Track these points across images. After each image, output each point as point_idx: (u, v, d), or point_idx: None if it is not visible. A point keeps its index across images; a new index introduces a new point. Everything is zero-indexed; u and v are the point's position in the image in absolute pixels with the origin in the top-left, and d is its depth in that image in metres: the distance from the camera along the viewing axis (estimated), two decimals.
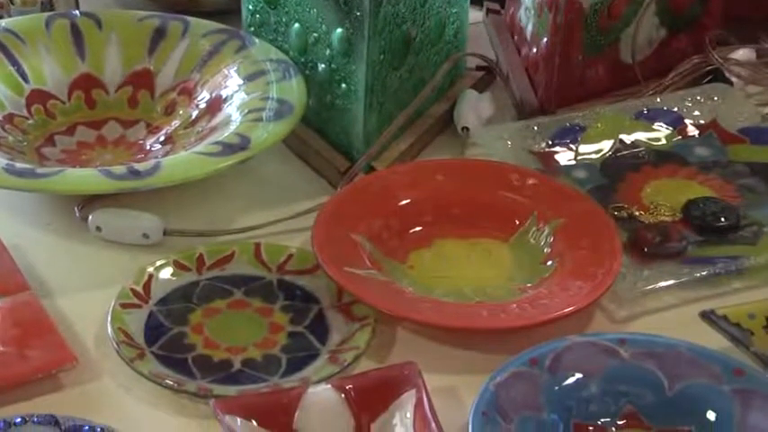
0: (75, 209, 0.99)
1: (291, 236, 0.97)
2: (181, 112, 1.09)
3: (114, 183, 0.94)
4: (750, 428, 0.78)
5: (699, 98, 1.12)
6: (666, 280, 0.92)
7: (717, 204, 1.00)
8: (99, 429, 0.77)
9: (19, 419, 0.77)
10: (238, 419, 0.76)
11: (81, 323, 0.88)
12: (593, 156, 1.07)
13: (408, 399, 0.79)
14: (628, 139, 1.09)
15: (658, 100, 1.12)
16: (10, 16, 1.19)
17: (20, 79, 1.09)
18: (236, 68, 1.09)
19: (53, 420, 0.77)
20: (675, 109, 1.12)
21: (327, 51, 1.03)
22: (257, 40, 1.10)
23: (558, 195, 0.98)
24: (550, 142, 1.07)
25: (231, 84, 1.08)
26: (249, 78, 1.07)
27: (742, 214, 0.99)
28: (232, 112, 1.05)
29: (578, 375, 0.81)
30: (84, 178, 0.95)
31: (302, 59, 1.07)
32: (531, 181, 1.00)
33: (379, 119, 1.04)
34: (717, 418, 0.79)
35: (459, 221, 0.98)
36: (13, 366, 0.82)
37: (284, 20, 1.07)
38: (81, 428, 0.77)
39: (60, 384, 0.83)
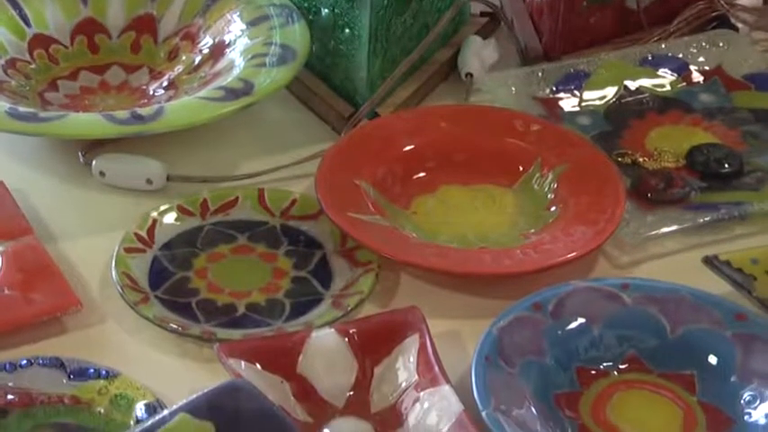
0: (79, 154, 0.99)
1: (295, 182, 0.97)
2: (184, 57, 1.09)
3: (118, 127, 0.94)
4: (751, 372, 0.78)
5: (704, 44, 1.12)
6: (669, 226, 0.92)
7: (721, 151, 1.00)
8: (103, 372, 0.77)
9: (24, 362, 0.78)
10: (242, 363, 0.77)
11: (85, 267, 0.88)
12: (598, 102, 1.07)
13: (411, 343, 0.79)
14: (632, 85, 1.08)
15: (663, 46, 1.12)
16: None
17: (22, 23, 1.08)
18: (238, 13, 1.08)
19: (58, 363, 0.78)
20: (680, 55, 1.11)
21: None
22: None
23: (562, 141, 0.98)
24: (554, 88, 1.07)
25: (234, 29, 1.07)
26: (252, 23, 1.07)
27: (746, 160, 0.99)
28: (235, 58, 1.05)
29: (581, 320, 0.81)
30: (88, 122, 0.95)
31: (305, 4, 1.06)
32: (534, 127, 1.00)
33: (383, 65, 1.04)
34: (718, 362, 0.80)
35: (463, 168, 0.98)
36: (17, 310, 0.82)
37: None
38: (86, 371, 0.78)
39: (65, 328, 0.83)
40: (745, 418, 0.77)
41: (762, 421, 0.76)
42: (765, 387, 0.77)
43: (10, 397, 0.76)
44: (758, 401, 0.77)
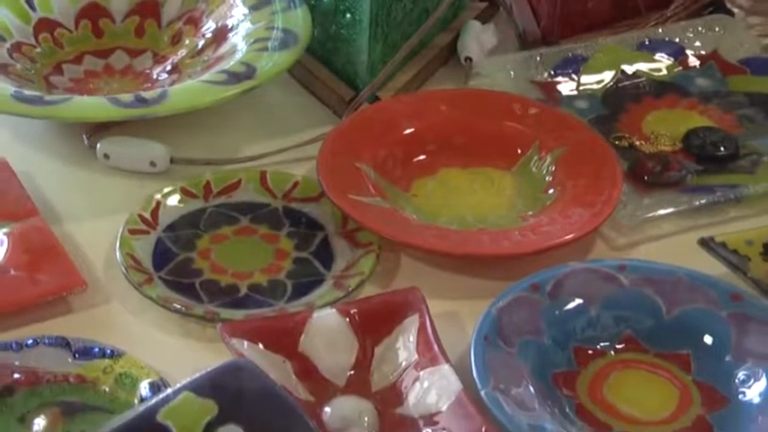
0: (84, 137, 0.99)
1: (297, 164, 0.97)
2: (187, 41, 1.09)
3: (122, 110, 0.94)
4: (745, 352, 0.78)
5: (700, 29, 1.12)
6: (666, 208, 0.92)
7: (716, 134, 1.00)
8: (108, 351, 0.78)
9: (31, 341, 0.78)
10: (245, 342, 0.77)
11: (90, 248, 0.89)
12: (595, 86, 1.07)
13: (411, 323, 0.79)
14: (629, 69, 1.08)
15: (660, 31, 1.12)
16: None
17: (27, 7, 1.08)
18: None
19: (64, 342, 0.78)
20: (677, 40, 1.11)
21: None
22: None
23: (560, 125, 0.98)
24: (553, 72, 1.07)
25: (236, 13, 1.07)
26: (254, 8, 1.06)
27: (741, 144, 0.99)
28: (238, 42, 1.04)
29: (578, 301, 0.81)
30: (93, 106, 0.95)
31: None
32: (533, 111, 0.99)
33: (384, 49, 1.04)
34: (713, 342, 0.80)
35: (463, 151, 0.98)
36: (23, 290, 0.82)
37: None
38: (91, 350, 0.78)
39: (70, 308, 0.83)
40: (740, 396, 0.77)
41: (756, 400, 0.76)
42: (759, 366, 0.77)
43: (16, 376, 0.76)
44: (752, 380, 0.77)
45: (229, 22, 1.07)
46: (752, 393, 0.77)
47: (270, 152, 0.98)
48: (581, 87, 1.06)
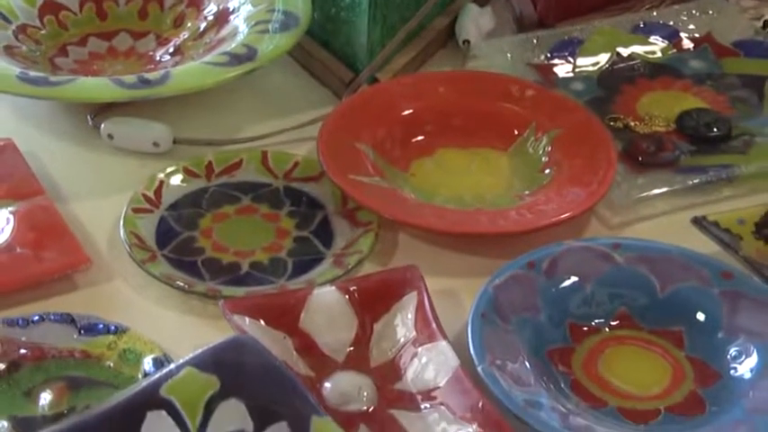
0: (88, 117, 0.99)
1: (297, 144, 0.97)
2: (189, 24, 1.08)
3: (125, 91, 0.94)
4: (737, 328, 0.78)
5: (694, 12, 1.12)
6: (660, 188, 0.92)
7: (709, 115, 1.00)
8: (112, 327, 0.78)
9: (37, 317, 0.78)
10: (246, 319, 0.77)
11: (94, 227, 0.88)
12: (591, 68, 1.06)
13: (410, 300, 0.79)
14: (624, 52, 1.08)
15: (654, 14, 1.11)
16: None
17: None
18: None
19: (69, 318, 0.78)
20: (671, 23, 1.11)
21: None
22: None
23: (556, 106, 0.98)
24: (549, 55, 1.07)
25: None
26: None
27: (733, 125, 0.99)
28: (239, 24, 1.04)
29: (574, 278, 0.81)
30: (97, 86, 0.95)
31: None
32: (529, 92, 0.99)
33: (383, 31, 1.04)
34: (706, 318, 0.80)
35: (460, 131, 0.97)
36: (30, 267, 0.82)
37: None
38: (95, 326, 0.78)
39: (75, 285, 0.83)
40: (731, 372, 0.77)
41: (747, 375, 0.76)
42: (751, 342, 0.77)
43: (23, 351, 0.76)
44: (744, 356, 0.77)
45: (231, 5, 1.07)
46: (743, 369, 0.77)
47: (271, 132, 0.98)
48: (577, 69, 1.06)
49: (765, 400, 0.73)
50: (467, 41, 1.08)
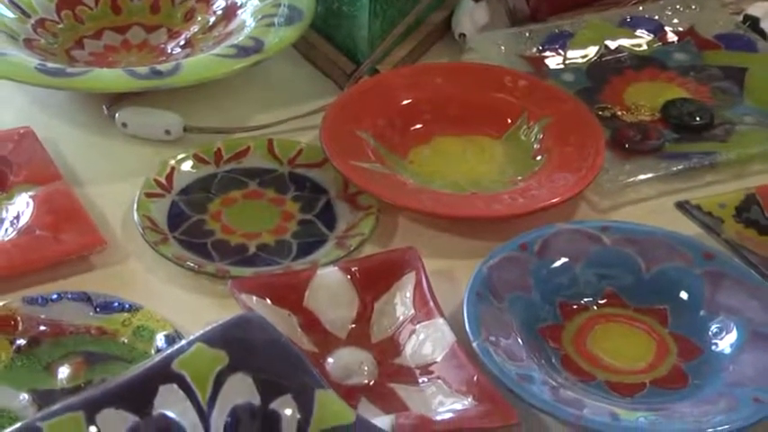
0: (104, 107, 0.98)
1: (302, 132, 0.97)
2: (199, 18, 1.08)
3: (139, 82, 0.93)
4: (718, 306, 0.78)
5: (678, 7, 1.11)
6: (645, 173, 0.92)
7: (692, 105, 1.00)
8: (127, 305, 0.77)
9: (55, 296, 0.78)
10: (254, 297, 0.77)
11: (109, 210, 0.88)
12: (580, 60, 1.06)
13: (409, 280, 0.79)
14: (612, 44, 1.08)
15: (641, 9, 1.11)
16: None
17: None
18: None
19: (85, 297, 0.78)
20: (656, 17, 1.11)
21: None
22: None
23: (547, 96, 0.98)
24: (541, 48, 1.07)
25: None
26: None
27: (715, 114, 0.99)
28: (246, 18, 1.04)
29: (564, 259, 0.81)
30: (111, 77, 0.94)
31: None
32: (522, 83, 0.99)
33: (383, 25, 1.03)
34: (689, 297, 0.80)
35: (456, 120, 0.97)
36: (48, 249, 0.82)
37: None
38: (110, 304, 0.78)
39: (91, 265, 0.83)
40: (713, 347, 0.77)
41: (727, 350, 0.76)
42: (731, 320, 0.77)
43: (42, 328, 0.76)
44: (724, 333, 0.77)
45: (239, 0, 1.06)
46: (723, 344, 0.76)
47: (276, 121, 0.97)
48: (567, 61, 1.06)
49: (744, 374, 0.73)
50: (462, 35, 1.08)
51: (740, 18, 1.11)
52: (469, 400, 0.71)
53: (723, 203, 0.89)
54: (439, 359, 0.74)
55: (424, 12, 1.08)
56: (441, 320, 0.76)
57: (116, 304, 0.78)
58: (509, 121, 0.97)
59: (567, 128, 0.94)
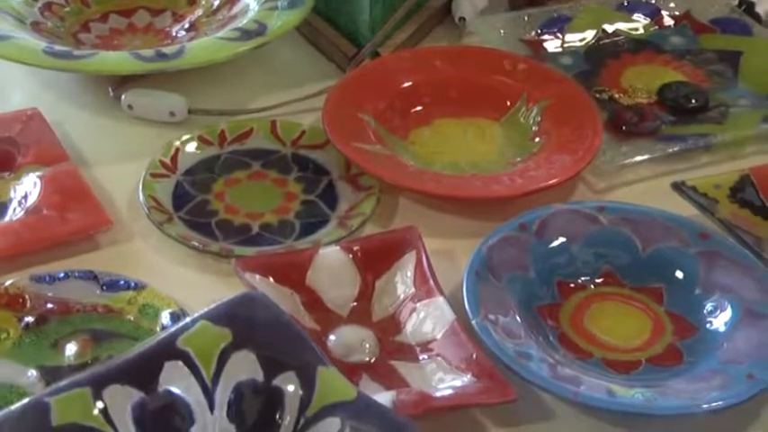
0: (109, 89, 0.98)
1: (304, 115, 0.96)
2: (203, 1, 1.08)
3: (144, 64, 0.93)
4: (712, 285, 0.78)
5: None
6: (642, 155, 0.92)
7: (688, 88, 0.99)
8: (132, 284, 0.77)
9: (62, 274, 0.78)
10: (257, 276, 0.77)
11: (115, 191, 0.88)
12: (578, 43, 1.06)
13: (409, 259, 0.79)
14: (609, 28, 1.08)
15: None
16: None
17: None
18: None
19: (92, 275, 0.78)
20: (653, 1, 1.11)
21: None
22: None
23: (546, 79, 0.97)
24: (539, 31, 1.06)
25: None
26: None
27: (710, 96, 0.99)
28: (250, 2, 1.04)
29: (562, 239, 0.81)
30: (117, 60, 0.94)
31: None
32: (521, 66, 0.99)
33: (384, 8, 1.03)
34: (684, 276, 0.79)
35: (456, 102, 0.97)
36: (55, 228, 0.82)
37: None
38: (116, 283, 0.77)
39: (97, 244, 0.83)
40: (707, 325, 0.77)
41: (721, 328, 0.76)
42: (725, 298, 0.77)
43: (50, 306, 0.76)
44: (718, 311, 0.77)
45: None
46: (718, 323, 0.76)
47: (279, 103, 0.97)
48: (565, 45, 1.06)
49: (738, 352, 0.73)
50: (462, 18, 1.08)
51: (735, 2, 1.11)
52: (469, 376, 0.71)
53: (718, 184, 0.89)
54: (439, 337, 0.74)
55: None
56: (441, 299, 0.76)
57: (122, 283, 0.77)
58: (508, 103, 0.96)
59: (565, 110, 0.94)
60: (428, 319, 0.76)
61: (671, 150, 0.92)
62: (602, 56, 1.05)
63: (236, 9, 1.04)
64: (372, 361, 0.74)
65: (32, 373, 0.72)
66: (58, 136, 0.91)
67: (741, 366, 0.72)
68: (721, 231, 0.83)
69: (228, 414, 0.65)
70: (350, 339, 0.75)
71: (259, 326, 0.66)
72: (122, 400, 0.63)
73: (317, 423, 0.64)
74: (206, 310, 0.66)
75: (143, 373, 0.64)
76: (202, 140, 0.92)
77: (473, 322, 0.73)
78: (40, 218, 0.83)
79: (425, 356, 0.74)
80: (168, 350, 0.65)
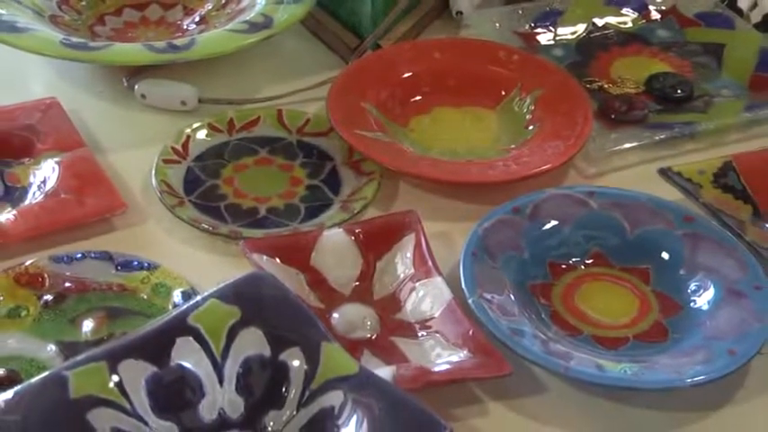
0: (123, 79, 0.98)
1: (309, 104, 0.96)
2: None
3: (156, 55, 0.93)
4: (696, 266, 0.78)
5: None
6: (630, 142, 0.92)
7: (674, 78, 0.99)
8: (146, 264, 0.77)
9: (79, 255, 0.78)
10: (264, 257, 0.77)
11: (129, 176, 0.88)
12: (570, 36, 1.06)
13: (409, 241, 0.79)
14: (599, 22, 1.07)
15: None
16: None
17: None
18: None
19: (107, 256, 0.78)
20: None
21: None
22: None
23: (539, 69, 0.97)
24: (533, 24, 1.06)
25: None
26: None
27: (695, 87, 0.99)
28: None
29: (554, 222, 0.81)
30: (131, 51, 0.94)
31: None
32: (515, 57, 0.98)
33: (385, 2, 1.02)
34: (669, 257, 0.79)
35: (454, 92, 0.97)
36: (72, 211, 0.82)
37: None
38: (131, 263, 0.77)
39: (113, 227, 0.83)
40: (691, 304, 0.77)
41: (705, 307, 0.76)
42: (708, 278, 0.77)
43: (67, 284, 0.76)
44: (702, 290, 0.77)
45: None
46: (701, 301, 0.76)
47: (285, 93, 0.97)
48: (557, 37, 1.05)
49: (720, 328, 0.73)
50: (460, 12, 1.07)
51: None
52: (465, 352, 0.71)
53: (702, 170, 0.89)
54: (437, 315, 0.74)
55: None
56: (439, 279, 0.76)
57: (136, 263, 0.77)
58: (503, 92, 0.96)
59: (557, 99, 0.94)
60: (427, 298, 0.76)
61: (658, 138, 0.92)
62: (592, 48, 1.04)
63: (244, 3, 1.04)
64: (374, 337, 0.74)
65: (51, 347, 0.72)
66: (75, 124, 0.91)
67: (723, 342, 0.72)
68: (705, 215, 0.84)
69: (237, 387, 0.65)
70: (352, 317, 0.75)
71: (266, 304, 0.66)
72: (136, 374, 0.63)
73: (320, 396, 0.64)
74: (215, 288, 0.67)
75: (156, 348, 0.64)
76: (212, 128, 0.91)
77: (469, 301, 0.73)
78: (59, 201, 0.82)
79: (424, 333, 0.74)
80: (180, 327, 0.65)
